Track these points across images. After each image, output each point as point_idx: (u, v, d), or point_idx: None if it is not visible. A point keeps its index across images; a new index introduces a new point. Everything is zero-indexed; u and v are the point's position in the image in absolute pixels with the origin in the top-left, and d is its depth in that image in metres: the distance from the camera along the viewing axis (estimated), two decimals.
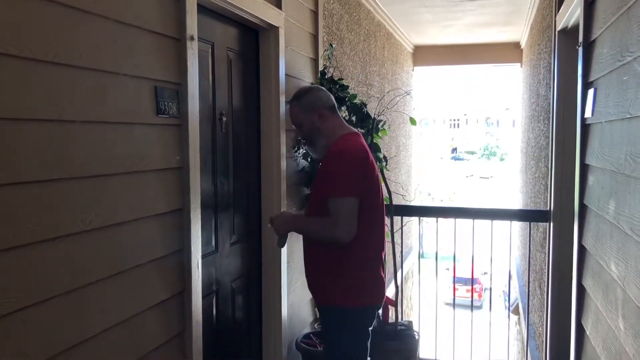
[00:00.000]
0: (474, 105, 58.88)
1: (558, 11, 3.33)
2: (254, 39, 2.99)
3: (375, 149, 3.40)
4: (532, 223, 4.25)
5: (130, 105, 1.87)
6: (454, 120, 61.26)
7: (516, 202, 9.68)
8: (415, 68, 8.92)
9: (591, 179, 2.30)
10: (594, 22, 2.28)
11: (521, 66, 8.43)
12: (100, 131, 1.73)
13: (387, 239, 2.66)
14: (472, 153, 57.24)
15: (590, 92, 2.28)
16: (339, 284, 2.28)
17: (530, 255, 4.21)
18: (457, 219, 3.83)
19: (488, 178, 46.26)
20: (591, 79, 2.31)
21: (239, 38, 2.83)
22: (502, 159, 52.74)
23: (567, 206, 3.20)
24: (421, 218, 4.35)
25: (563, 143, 3.26)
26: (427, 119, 56.03)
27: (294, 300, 3.33)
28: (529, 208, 6.06)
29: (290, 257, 3.18)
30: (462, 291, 18.03)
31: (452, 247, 3.84)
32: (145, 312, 1.96)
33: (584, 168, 2.41)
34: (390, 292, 4.28)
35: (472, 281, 5.74)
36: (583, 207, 2.41)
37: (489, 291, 20.21)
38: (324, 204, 2.21)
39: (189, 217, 2.16)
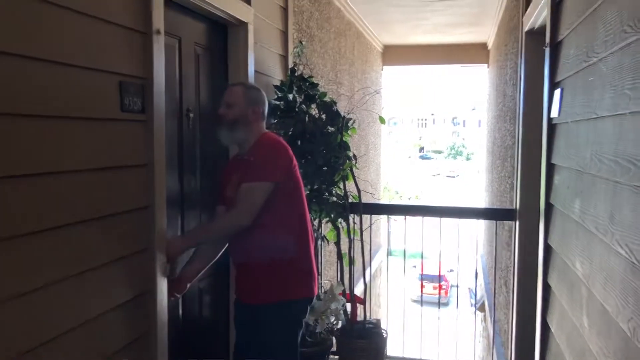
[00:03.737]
0: (441, 105, 59.67)
1: (525, 12, 3.37)
2: (223, 35, 2.95)
3: (345, 147, 3.40)
4: (498, 221, 4.30)
5: (93, 100, 1.81)
6: (422, 119, 61.97)
7: (482, 201, 9.82)
8: (384, 67, 8.96)
9: (557, 179, 2.34)
10: (561, 23, 2.31)
11: (488, 67, 8.56)
12: (61, 127, 1.67)
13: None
14: (439, 152, 58.01)
15: (557, 92, 2.31)
16: (285, 279, 2.37)
17: (496, 254, 4.26)
18: (424, 217, 3.85)
19: (454, 177, 46.96)
20: (558, 80, 2.34)
21: (207, 33, 2.78)
22: (468, 158, 53.62)
23: (533, 205, 3.24)
24: (389, 216, 4.36)
25: (529, 143, 3.30)
26: (395, 118, 56.61)
27: None
28: (495, 207, 6.15)
29: None
30: (429, 288, 18.21)
31: (419, 245, 3.86)
32: (109, 313, 1.90)
33: (550, 167, 2.44)
34: (358, 290, 4.28)
35: (440, 278, 5.80)
36: (549, 206, 2.45)
37: (455, 288, 20.49)
38: None
39: (154, 215, 2.11)
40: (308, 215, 2.51)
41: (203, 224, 2.61)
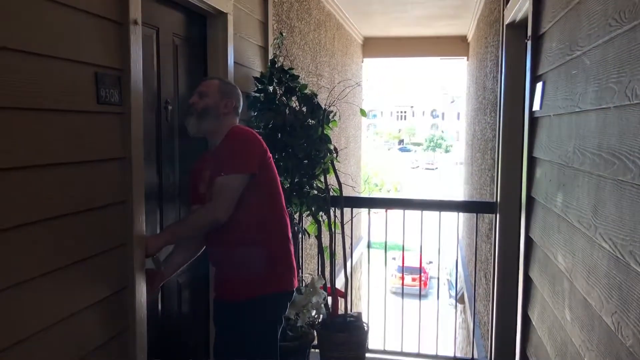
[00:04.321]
0: (420, 98, 59.99)
1: (506, 5, 3.37)
2: (202, 25, 2.89)
3: (326, 140, 3.37)
4: (478, 214, 4.32)
5: (68, 91, 1.75)
6: (401, 112, 62.25)
7: (461, 193, 9.89)
8: (364, 59, 8.94)
9: (539, 172, 2.34)
10: (543, 16, 2.31)
11: (467, 59, 8.58)
12: (35, 119, 1.61)
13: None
14: (419, 144, 58.32)
15: (539, 85, 2.31)
16: (264, 273, 2.32)
17: (477, 246, 4.28)
18: (405, 210, 3.85)
19: (433, 169, 47.30)
20: (540, 73, 2.34)
21: (185, 24, 2.72)
22: (447, 151, 54.02)
23: (514, 198, 3.26)
24: (370, 209, 4.35)
25: (510, 136, 3.30)
26: (375, 110, 56.79)
27: None
28: (474, 199, 6.19)
29: None
30: (408, 280, 18.34)
31: (400, 237, 3.86)
32: (86, 310, 1.85)
33: (532, 161, 2.44)
34: (339, 282, 4.27)
35: (420, 270, 5.84)
36: (530, 200, 2.45)
37: (434, 280, 20.62)
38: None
39: (132, 210, 2.06)
40: (285, 207, 2.46)
41: (179, 220, 2.54)
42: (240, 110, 2.47)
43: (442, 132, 58.73)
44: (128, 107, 2.03)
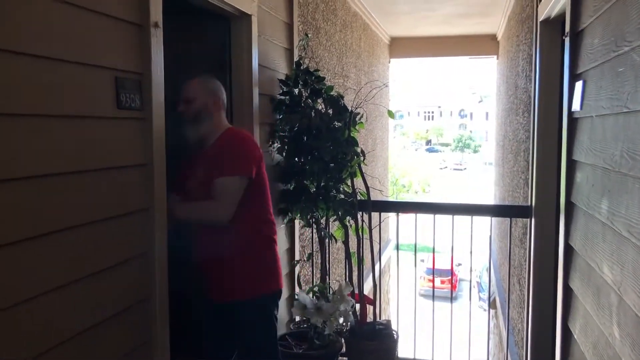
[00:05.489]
0: (447, 97, 59.43)
1: (540, 1, 3.23)
2: (226, 28, 2.82)
3: (353, 143, 3.27)
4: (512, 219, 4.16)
5: (87, 96, 1.69)
6: (429, 112, 61.74)
7: (491, 194, 9.69)
8: (391, 60, 8.81)
9: (579, 176, 2.21)
10: (583, 11, 2.17)
11: (497, 58, 8.39)
12: (54, 126, 1.56)
13: None
14: (446, 145, 57.75)
15: (579, 84, 2.18)
16: (267, 268, 2.40)
17: (510, 251, 4.13)
18: (436, 215, 3.72)
19: (462, 170, 46.78)
20: (579, 71, 2.20)
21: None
22: (475, 151, 53.38)
23: (550, 202, 3.12)
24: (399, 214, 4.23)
25: (546, 137, 3.16)
26: (402, 110, 56.47)
27: None
28: (507, 202, 6.01)
29: None
30: (437, 282, 18.11)
31: (429, 240, 3.74)
32: (108, 322, 1.80)
33: (571, 164, 2.31)
34: (367, 286, 4.16)
35: (451, 273, 5.70)
36: (570, 205, 2.32)
37: (463, 283, 20.32)
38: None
39: (153, 218, 2.00)
40: (271, 209, 2.49)
41: (198, 203, 2.34)
42: (225, 99, 2.44)
43: (471, 132, 58.07)
44: (149, 111, 1.98)
